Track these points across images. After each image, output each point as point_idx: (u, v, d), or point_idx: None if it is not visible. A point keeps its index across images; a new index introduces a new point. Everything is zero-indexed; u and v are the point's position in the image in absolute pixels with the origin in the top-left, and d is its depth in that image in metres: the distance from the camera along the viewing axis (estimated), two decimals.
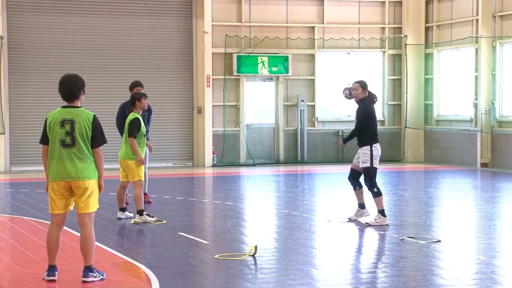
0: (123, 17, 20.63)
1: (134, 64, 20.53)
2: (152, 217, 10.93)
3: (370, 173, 10.51)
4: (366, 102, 10.67)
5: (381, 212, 10.47)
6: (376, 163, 10.54)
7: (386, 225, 10.39)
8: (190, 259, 8.26)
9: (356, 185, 10.79)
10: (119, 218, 11.18)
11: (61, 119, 7.14)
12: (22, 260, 8.25)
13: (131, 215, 11.25)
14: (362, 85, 10.71)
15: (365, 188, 10.75)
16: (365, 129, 10.60)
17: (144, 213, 10.88)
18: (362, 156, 10.55)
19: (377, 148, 10.56)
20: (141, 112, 11.21)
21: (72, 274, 7.46)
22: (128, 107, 11.31)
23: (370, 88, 10.90)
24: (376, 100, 10.83)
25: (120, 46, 20.59)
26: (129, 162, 10.96)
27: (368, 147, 10.51)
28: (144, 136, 11.11)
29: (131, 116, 11.04)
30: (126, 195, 11.72)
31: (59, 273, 7.29)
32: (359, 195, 10.83)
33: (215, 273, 7.71)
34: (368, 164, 10.49)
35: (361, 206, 10.86)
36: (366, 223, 10.48)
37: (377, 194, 10.50)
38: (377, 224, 10.38)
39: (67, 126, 7.11)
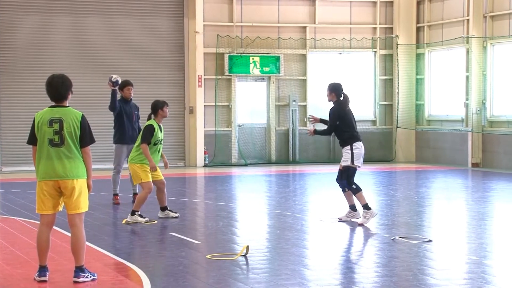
0: (115, 17, 20.59)
1: (126, 64, 20.49)
2: (144, 217, 10.91)
3: (349, 172, 10.66)
4: (337, 105, 10.76)
5: (366, 207, 10.55)
6: (358, 162, 10.64)
7: (376, 215, 10.59)
8: (181, 259, 8.26)
9: (345, 187, 10.84)
10: (160, 217, 11.15)
11: (49, 118, 7.12)
12: (13, 261, 8.22)
13: (176, 215, 11.19)
14: (329, 88, 10.87)
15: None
16: (342, 130, 10.72)
17: (136, 213, 10.87)
18: (344, 155, 10.72)
19: (358, 147, 10.65)
20: (162, 120, 11.12)
21: (63, 274, 7.45)
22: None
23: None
24: (347, 103, 10.83)
25: (112, 46, 20.55)
26: (132, 165, 10.96)
27: (349, 146, 10.66)
28: (155, 145, 10.98)
29: (147, 123, 11.03)
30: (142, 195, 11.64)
31: (50, 273, 7.28)
32: (349, 197, 10.88)
33: (207, 273, 7.71)
34: (348, 163, 10.62)
35: (352, 207, 10.90)
36: (358, 224, 10.51)
37: (356, 190, 10.61)
38: (368, 220, 10.46)
39: (56, 125, 7.09)
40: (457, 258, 8.40)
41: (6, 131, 19.76)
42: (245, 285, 7.10)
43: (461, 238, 9.96)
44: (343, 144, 10.76)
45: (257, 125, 21.73)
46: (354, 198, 10.86)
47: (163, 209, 11.24)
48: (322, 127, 11.19)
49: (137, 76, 19.64)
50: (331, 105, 10.94)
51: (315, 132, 10.93)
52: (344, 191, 10.87)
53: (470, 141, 20.18)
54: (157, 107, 11.09)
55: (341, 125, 10.70)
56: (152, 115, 11.12)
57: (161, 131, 11.09)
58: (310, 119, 11.28)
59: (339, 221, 10.81)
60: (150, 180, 10.93)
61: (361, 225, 10.45)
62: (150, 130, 10.92)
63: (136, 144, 11.08)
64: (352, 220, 10.81)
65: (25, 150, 18.95)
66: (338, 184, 10.94)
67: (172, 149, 21.01)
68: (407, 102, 22.28)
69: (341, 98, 10.79)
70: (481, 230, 10.25)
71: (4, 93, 19.79)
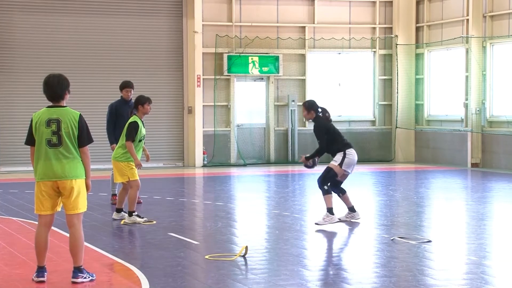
0: (114, 16, 20.57)
1: (125, 64, 20.48)
2: (142, 217, 10.89)
3: (329, 173, 10.59)
4: (319, 120, 10.75)
5: (329, 211, 10.51)
6: (348, 169, 10.62)
7: (336, 222, 10.44)
8: (180, 260, 8.24)
9: (339, 192, 10.86)
10: (114, 219, 11.09)
11: (46, 118, 7.09)
12: (12, 261, 8.20)
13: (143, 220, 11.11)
14: (306, 106, 10.83)
15: (348, 192, 10.86)
16: (331, 142, 10.67)
17: (134, 214, 10.84)
18: (336, 156, 10.64)
19: (351, 154, 10.65)
20: (143, 116, 11.00)
21: (61, 275, 7.43)
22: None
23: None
24: (329, 116, 10.83)
25: (111, 45, 20.53)
26: (117, 163, 10.89)
27: (342, 152, 10.62)
28: (140, 142, 10.92)
29: (130, 119, 10.91)
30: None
31: (48, 274, 7.26)
32: (346, 200, 10.91)
33: (206, 273, 7.69)
34: (336, 164, 10.58)
35: (351, 209, 10.91)
36: (315, 223, 10.48)
37: (326, 192, 10.57)
38: (326, 223, 10.41)
39: (53, 126, 7.07)
40: (456, 259, 8.38)
41: (4, 131, 19.73)
42: (244, 285, 7.08)
43: (460, 238, 9.94)
44: (335, 153, 10.65)
45: (256, 125, 21.72)
46: (351, 199, 10.88)
47: (119, 210, 11.12)
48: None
49: (135, 76, 19.61)
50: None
51: (307, 158, 10.76)
52: (339, 196, 10.86)
53: (470, 141, 20.16)
54: (138, 103, 10.91)
55: (328, 137, 10.63)
56: (134, 111, 11.01)
57: (143, 127, 10.96)
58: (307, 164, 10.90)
59: (338, 221, 10.78)
60: (138, 178, 10.90)
61: (317, 224, 10.39)
62: (134, 127, 10.74)
63: (122, 142, 10.92)
64: (352, 220, 10.81)
65: (23, 150, 18.91)
66: (332, 191, 10.85)
67: (171, 149, 21.00)
68: (406, 102, 22.27)
69: (320, 114, 10.76)
70: (481, 231, 10.23)
71: (2, 93, 19.76)
